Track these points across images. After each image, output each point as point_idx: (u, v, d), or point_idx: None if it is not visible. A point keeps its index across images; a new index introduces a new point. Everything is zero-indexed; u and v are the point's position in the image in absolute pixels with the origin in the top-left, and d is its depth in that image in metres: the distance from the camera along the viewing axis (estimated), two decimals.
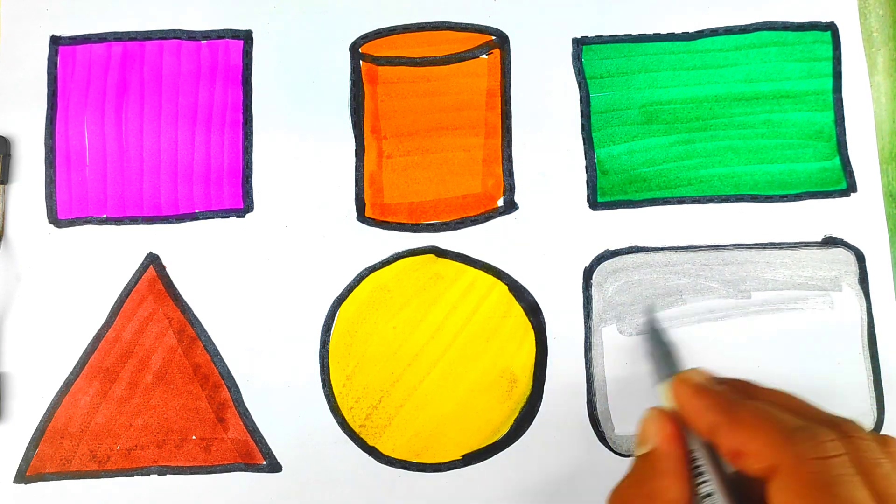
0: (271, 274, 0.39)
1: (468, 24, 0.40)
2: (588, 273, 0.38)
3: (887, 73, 0.40)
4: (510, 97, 0.40)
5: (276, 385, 0.38)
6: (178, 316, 0.38)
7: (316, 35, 0.40)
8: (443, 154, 0.39)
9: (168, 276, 0.39)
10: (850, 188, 0.39)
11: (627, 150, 0.39)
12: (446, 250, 0.39)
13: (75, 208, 0.39)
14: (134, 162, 0.40)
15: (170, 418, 0.38)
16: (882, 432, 0.37)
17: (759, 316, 0.38)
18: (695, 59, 0.40)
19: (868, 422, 0.37)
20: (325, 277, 0.39)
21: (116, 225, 0.39)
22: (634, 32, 0.40)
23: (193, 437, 0.38)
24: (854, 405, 0.37)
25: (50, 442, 0.38)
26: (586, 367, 0.38)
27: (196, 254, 0.39)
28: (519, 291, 0.38)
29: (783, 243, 0.39)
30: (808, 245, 0.39)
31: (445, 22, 0.40)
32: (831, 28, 0.40)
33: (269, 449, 0.38)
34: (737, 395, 0.28)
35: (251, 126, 0.40)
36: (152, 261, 0.39)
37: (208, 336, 0.38)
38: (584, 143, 0.39)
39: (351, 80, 0.40)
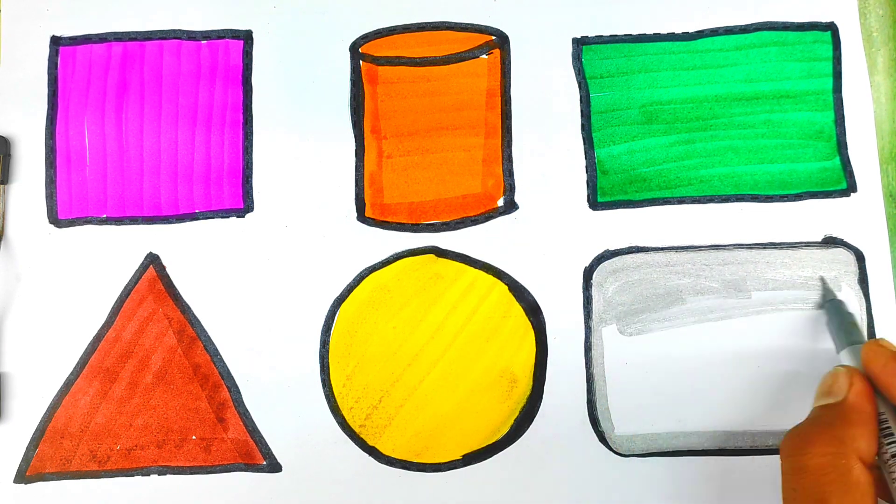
0: (271, 274, 0.39)
1: (468, 24, 0.40)
2: (588, 273, 0.38)
3: (887, 73, 0.40)
4: (510, 97, 0.40)
5: (276, 385, 0.38)
6: (178, 316, 0.38)
7: (316, 35, 0.40)
8: (443, 154, 0.39)
9: (168, 276, 0.39)
10: (850, 188, 0.39)
11: (627, 150, 0.39)
12: (446, 250, 0.39)
13: (75, 208, 0.39)
14: (134, 162, 0.40)
15: (170, 418, 0.38)
16: None
17: (759, 316, 0.38)
18: (695, 59, 0.40)
19: None
20: (325, 277, 0.39)
21: (116, 225, 0.39)
22: (634, 32, 0.40)
23: (193, 437, 0.38)
24: None
25: (50, 442, 0.38)
26: (586, 367, 0.38)
27: (196, 254, 0.39)
28: (519, 291, 0.38)
29: (783, 243, 0.39)
30: (808, 245, 0.39)
31: (445, 22, 0.40)
32: (831, 28, 0.40)
33: (269, 449, 0.38)
34: None
35: (251, 126, 0.40)
36: (152, 261, 0.39)
37: (208, 336, 0.38)
38: (584, 143, 0.39)
39: (351, 80, 0.40)
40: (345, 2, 0.41)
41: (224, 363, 0.38)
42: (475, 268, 0.39)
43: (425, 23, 0.40)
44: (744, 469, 0.37)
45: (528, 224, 0.39)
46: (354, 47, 0.40)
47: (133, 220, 0.39)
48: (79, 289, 0.39)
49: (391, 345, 0.38)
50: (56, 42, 0.40)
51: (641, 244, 0.39)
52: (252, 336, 0.38)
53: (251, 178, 0.39)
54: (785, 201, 0.39)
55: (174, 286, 0.39)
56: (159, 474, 0.37)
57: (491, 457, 0.37)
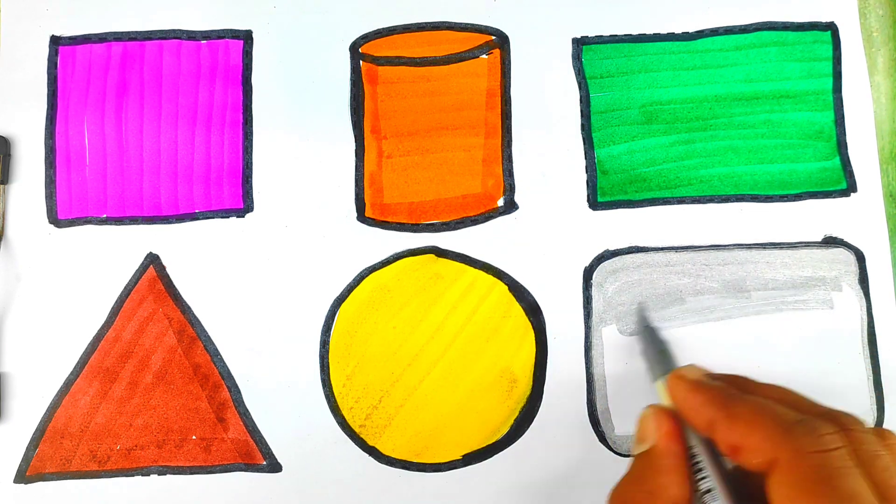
0: (271, 274, 0.39)
1: (468, 24, 0.40)
2: (588, 273, 0.38)
3: (887, 73, 0.40)
4: (510, 97, 0.40)
5: (276, 385, 0.38)
6: (178, 316, 0.38)
7: (316, 35, 0.40)
8: (443, 154, 0.39)
9: (168, 276, 0.39)
10: (850, 188, 0.39)
11: (627, 150, 0.39)
12: (446, 250, 0.39)
13: (75, 208, 0.39)
14: (134, 162, 0.40)
15: (170, 418, 0.38)
16: None
17: (759, 316, 0.38)
18: (695, 59, 0.40)
19: (868, 421, 0.37)
20: (325, 277, 0.39)
21: (116, 225, 0.39)
22: (634, 32, 0.40)
23: (193, 437, 0.38)
24: (854, 405, 0.37)
25: (50, 442, 0.38)
26: (586, 367, 0.38)
27: (196, 254, 0.39)
28: (519, 291, 0.38)
29: (783, 243, 0.39)
30: (808, 245, 0.39)
31: (445, 22, 0.40)
32: (831, 28, 0.40)
33: (269, 449, 0.38)
34: (733, 390, 0.28)
35: (251, 126, 0.40)
36: (152, 261, 0.39)
37: (208, 336, 0.38)
38: (584, 143, 0.39)
39: (351, 80, 0.40)
40: (345, 2, 0.41)
41: (224, 363, 0.38)
42: (475, 268, 0.39)
43: (425, 23, 0.40)
44: None
45: (528, 224, 0.39)
46: (354, 47, 0.40)
47: (133, 220, 0.39)
48: (79, 289, 0.39)
49: (391, 345, 0.38)
50: (56, 42, 0.40)
51: (641, 244, 0.39)
52: (252, 336, 0.38)
53: (251, 178, 0.39)
54: (785, 201, 0.39)
55: (174, 286, 0.39)
56: (159, 474, 0.37)
57: (491, 457, 0.37)
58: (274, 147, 0.40)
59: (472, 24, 0.40)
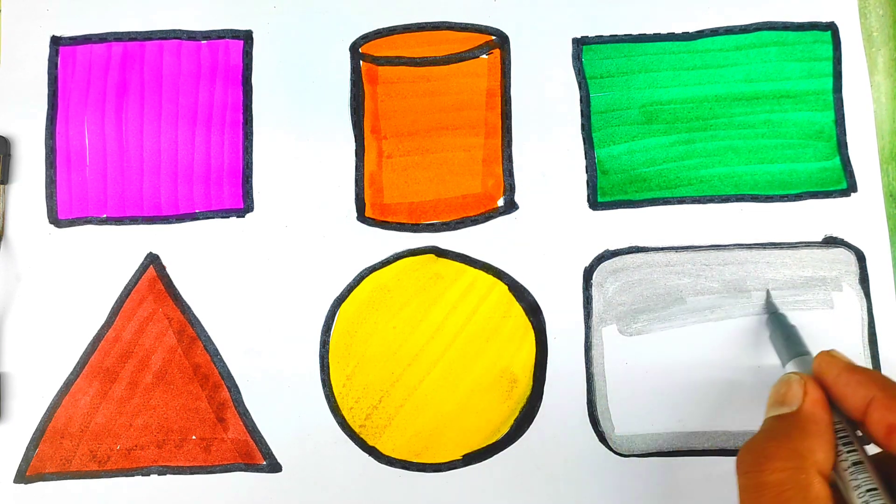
0: (271, 274, 0.39)
1: (468, 24, 0.40)
2: (588, 273, 0.38)
3: (887, 73, 0.40)
4: (510, 97, 0.40)
5: (276, 385, 0.38)
6: (178, 316, 0.38)
7: (316, 35, 0.40)
8: (443, 154, 0.39)
9: (168, 276, 0.39)
10: (851, 188, 0.39)
11: (627, 150, 0.39)
12: (446, 250, 0.39)
13: (75, 208, 0.39)
14: (134, 162, 0.40)
15: (170, 418, 0.38)
16: None
17: (759, 316, 0.38)
18: (695, 59, 0.40)
19: None
20: (325, 277, 0.39)
21: (116, 225, 0.39)
22: (634, 32, 0.40)
23: (193, 437, 0.38)
24: None
25: (50, 442, 0.38)
26: (586, 367, 0.38)
27: (196, 254, 0.39)
28: (519, 291, 0.38)
29: (783, 243, 0.39)
30: (808, 245, 0.39)
31: (445, 22, 0.40)
32: (831, 28, 0.40)
33: (269, 449, 0.38)
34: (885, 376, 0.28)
35: (251, 126, 0.40)
36: (152, 261, 0.39)
37: (208, 336, 0.38)
38: (584, 143, 0.39)
39: (351, 80, 0.40)
40: (345, 2, 0.41)
41: (224, 363, 0.38)
42: (475, 268, 0.39)
43: (425, 23, 0.40)
44: None
45: (528, 224, 0.39)
46: (354, 47, 0.40)
47: (133, 220, 0.39)
48: (79, 289, 0.39)
49: (391, 345, 0.38)
50: (56, 42, 0.40)
51: (641, 244, 0.39)
52: (252, 336, 0.38)
53: (251, 178, 0.39)
54: (785, 201, 0.39)
55: (174, 286, 0.39)
56: (159, 474, 0.37)
57: (491, 457, 0.37)
58: (274, 147, 0.40)
59: (472, 24, 0.40)
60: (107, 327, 0.38)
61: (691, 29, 0.40)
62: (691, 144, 0.39)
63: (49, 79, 0.40)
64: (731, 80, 0.40)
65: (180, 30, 0.41)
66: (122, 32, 0.40)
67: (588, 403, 0.37)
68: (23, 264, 0.39)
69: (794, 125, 0.39)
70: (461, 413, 0.38)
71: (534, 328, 0.38)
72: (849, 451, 0.28)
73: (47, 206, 0.39)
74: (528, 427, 0.37)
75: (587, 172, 0.39)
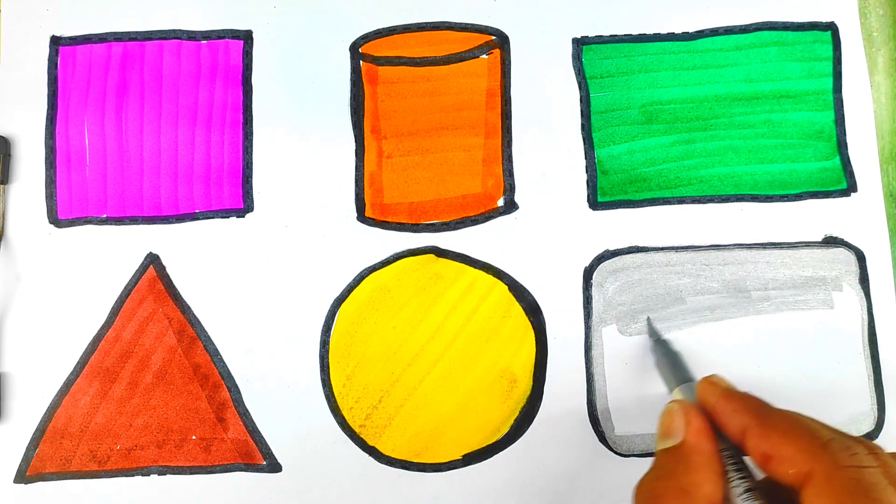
0: (271, 274, 0.39)
1: (468, 24, 0.40)
2: (588, 273, 0.38)
3: (887, 73, 0.40)
4: (510, 97, 0.40)
5: (276, 385, 0.38)
6: (178, 316, 0.38)
7: (316, 35, 0.40)
8: (443, 154, 0.39)
9: (168, 276, 0.39)
10: (851, 188, 0.39)
11: (627, 150, 0.39)
12: (446, 250, 0.39)
13: (75, 208, 0.39)
14: (134, 162, 0.40)
15: (170, 418, 0.38)
16: (882, 432, 0.37)
17: (759, 316, 0.38)
18: (695, 59, 0.40)
19: (868, 421, 0.37)
20: (325, 277, 0.39)
21: (116, 225, 0.39)
22: (634, 32, 0.40)
23: (193, 437, 0.38)
24: (854, 405, 0.37)
25: (50, 442, 0.38)
26: (586, 367, 0.38)
27: (196, 254, 0.39)
28: (519, 291, 0.38)
29: (783, 243, 0.39)
30: (808, 245, 0.39)
31: (445, 22, 0.40)
32: (831, 28, 0.40)
33: (269, 449, 0.38)
34: (765, 402, 0.28)
35: (251, 126, 0.40)
36: (152, 261, 0.39)
37: (208, 336, 0.38)
38: (584, 143, 0.39)
39: (351, 80, 0.40)
40: (345, 2, 0.41)
41: (224, 363, 0.38)
42: (475, 268, 0.39)
43: (425, 23, 0.40)
44: None
45: (528, 224, 0.39)
46: (354, 47, 0.40)
47: (133, 220, 0.39)
48: (79, 289, 0.39)
49: (391, 345, 0.38)
50: (56, 42, 0.40)
51: (641, 244, 0.39)
52: (252, 336, 0.38)
53: (251, 178, 0.39)
54: (785, 201, 0.39)
55: (174, 286, 0.39)
56: (159, 474, 0.37)
57: (491, 457, 0.37)
58: (274, 147, 0.40)
59: (472, 24, 0.40)
60: (107, 327, 0.38)
61: (691, 29, 0.40)
62: (691, 144, 0.39)
63: (49, 79, 0.40)
64: (731, 80, 0.40)
65: (180, 30, 0.41)
66: (122, 32, 0.40)
67: (588, 403, 0.38)
68: (23, 264, 0.39)
69: (794, 125, 0.40)
70: (461, 413, 0.38)
71: (534, 328, 0.38)
72: (740, 479, 0.27)
73: (47, 206, 0.39)
74: (528, 427, 0.37)
75: (587, 172, 0.39)
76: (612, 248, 0.39)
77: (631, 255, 0.39)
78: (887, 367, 0.38)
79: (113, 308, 0.39)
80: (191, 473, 0.37)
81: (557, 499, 0.37)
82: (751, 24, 0.40)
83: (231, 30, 0.41)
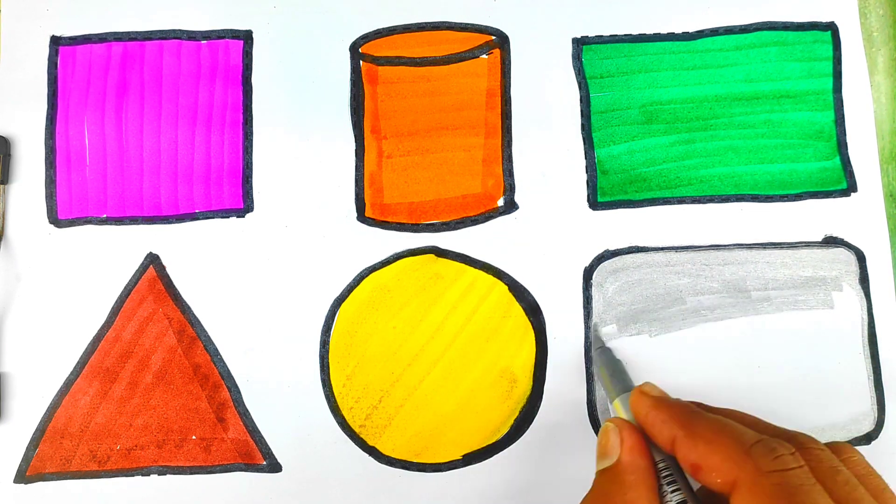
0: (271, 274, 0.39)
1: (468, 24, 0.40)
2: (588, 273, 0.38)
3: (887, 73, 0.40)
4: (510, 97, 0.40)
5: (276, 385, 0.38)
6: (178, 316, 0.38)
7: (316, 35, 0.40)
8: (443, 154, 0.39)
9: (168, 276, 0.39)
10: (851, 188, 0.39)
11: (627, 149, 0.39)
12: (446, 250, 0.39)
13: (75, 208, 0.39)
14: (134, 162, 0.40)
15: (170, 418, 0.38)
16: (882, 432, 0.37)
17: (759, 316, 0.38)
18: (695, 59, 0.40)
19: (868, 421, 0.37)
20: (325, 277, 0.39)
21: (116, 225, 0.39)
22: (634, 32, 0.40)
23: (193, 437, 0.38)
24: (854, 405, 0.37)
25: (50, 442, 0.38)
26: (586, 367, 0.38)
27: (196, 254, 0.39)
28: (519, 291, 0.38)
29: (783, 243, 0.39)
30: (808, 245, 0.39)
31: (445, 22, 0.40)
32: (831, 28, 0.40)
33: (269, 449, 0.38)
34: (695, 407, 0.28)
35: (251, 126, 0.40)
36: (152, 261, 0.39)
37: (208, 336, 0.38)
38: (584, 143, 0.39)
39: (351, 80, 0.40)
40: (345, 2, 0.41)
41: (224, 363, 0.38)
42: (475, 268, 0.39)
43: (425, 23, 0.40)
44: None
45: (528, 224, 0.39)
46: (354, 47, 0.40)
47: (133, 220, 0.39)
48: (79, 289, 0.39)
49: (391, 345, 0.38)
50: (56, 42, 0.40)
51: (641, 244, 0.39)
52: (252, 336, 0.38)
53: (251, 178, 0.39)
54: (785, 201, 0.39)
55: (174, 286, 0.39)
56: (159, 474, 0.37)
57: (491, 457, 0.37)
58: (274, 147, 0.40)
59: (472, 24, 0.40)
60: (107, 327, 0.38)
61: (691, 29, 0.40)
62: (691, 144, 0.39)
63: (49, 79, 0.40)
64: (731, 80, 0.40)
65: (180, 30, 0.41)
66: (122, 32, 0.40)
67: (588, 403, 0.38)
68: (23, 264, 0.39)
69: (794, 125, 0.40)
70: (461, 413, 0.38)
71: (534, 328, 0.38)
72: (672, 492, 0.27)
73: (47, 206, 0.39)
74: (528, 427, 0.37)
75: (587, 172, 0.39)
76: (612, 248, 0.39)
77: (631, 255, 0.39)
78: (887, 367, 0.38)
79: (113, 308, 0.39)
80: (191, 473, 0.37)
81: (557, 499, 0.37)
82: (751, 24, 0.40)
83: (231, 30, 0.41)
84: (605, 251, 0.39)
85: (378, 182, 0.39)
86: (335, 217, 0.39)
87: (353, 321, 0.38)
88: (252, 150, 0.40)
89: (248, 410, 0.38)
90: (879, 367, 0.38)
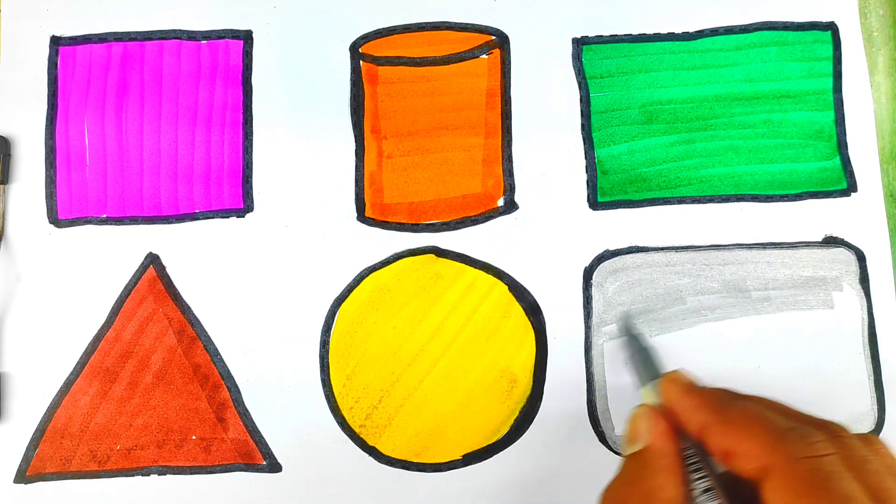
0: (271, 274, 0.39)
1: (468, 24, 0.40)
2: (588, 273, 0.38)
3: (887, 72, 0.40)
4: (510, 97, 0.40)
5: (276, 385, 0.38)
6: (178, 316, 0.38)
7: (316, 35, 0.40)
8: (443, 154, 0.39)
9: (168, 276, 0.39)
10: (851, 188, 0.39)
11: (627, 149, 0.39)
12: (446, 250, 0.39)
13: (75, 208, 0.39)
14: (134, 162, 0.40)
15: (170, 418, 0.38)
16: (882, 432, 0.37)
17: (759, 316, 0.38)
18: (695, 59, 0.40)
19: (868, 421, 0.37)
20: (325, 277, 0.39)
21: (116, 225, 0.39)
22: (634, 32, 0.40)
23: (193, 437, 0.38)
24: (854, 405, 0.37)
25: (50, 442, 0.38)
26: (586, 367, 0.38)
27: (196, 254, 0.39)
28: (519, 291, 0.38)
29: (783, 243, 0.39)
30: (808, 245, 0.39)
31: (445, 22, 0.40)
32: (831, 28, 0.40)
33: (269, 449, 0.38)
34: (726, 395, 0.28)
35: (251, 126, 0.40)
36: (152, 261, 0.39)
37: (208, 336, 0.38)
38: (584, 143, 0.39)
39: (351, 80, 0.40)
40: (345, 2, 0.41)
41: (224, 363, 0.38)
42: (475, 268, 0.39)
43: (425, 23, 0.40)
44: None
45: (528, 224, 0.39)
46: (354, 47, 0.40)
47: (133, 220, 0.39)
48: (79, 289, 0.39)
49: (391, 345, 0.38)
50: (56, 42, 0.40)
51: (641, 244, 0.39)
52: (252, 336, 0.38)
53: (251, 178, 0.39)
54: (785, 201, 0.39)
55: (174, 286, 0.39)
56: (159, 474, 0.37)
57: (491, 457, 0.37)
58: (274, 147, 0.40)
59: (472, 24, 0.40)
60: (107, 327, 0.38)
61: (691, 29, 0.40)
62: (691, 144, 0.39)
63: (49, 79, 0.40)
64: (731, 80, 0.40)
65: (180, 30, 0.41)
66: (122, 32, 0.40)
67: (588, 403, 0.38)
68: (23, 264, 0.39)
69: (794, 125, 0.40)
70: (461, 413, 0.38)
71: (534, 328, 0.38)
72: (698, 479, 0.27)
73: (47, 206, 0.39)
74: (528, 427, 0.37)
75: (587, 172, 0.39)
76: (612, 248, 0.39)
77: (631, 255, 0.39)
78: (887, 367, 0.38)
79: (113, 308, 0.39)
80: (191, 473, 0.37)
81: (557, 499, 0.37)
82: (751, 24, 0.40)
83: (231, 30, 0.41)
84: (605, 251, 0.39)
85: (378, 182, 0.39)
86: (335, 217, 0.39)
87: (353, 321, 0.38)
88: (252, 150, 0.40)
89: (248, 410, 0.38)
90: (879, 366, 0.38)
